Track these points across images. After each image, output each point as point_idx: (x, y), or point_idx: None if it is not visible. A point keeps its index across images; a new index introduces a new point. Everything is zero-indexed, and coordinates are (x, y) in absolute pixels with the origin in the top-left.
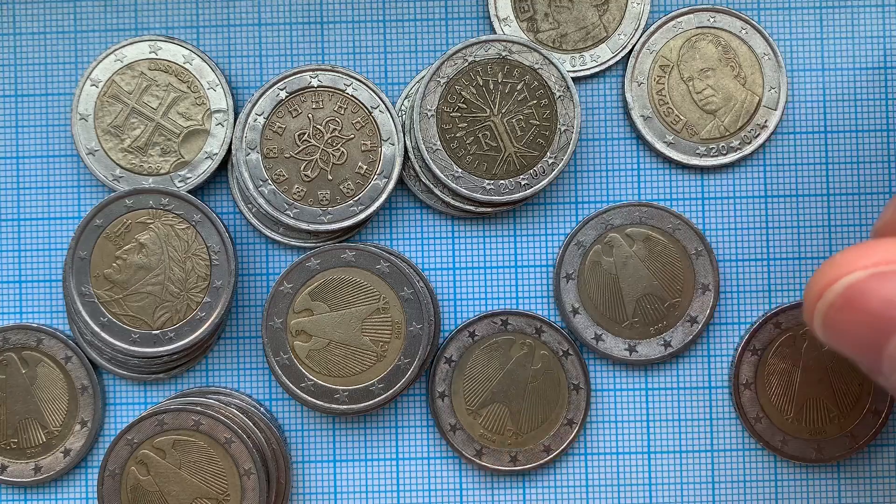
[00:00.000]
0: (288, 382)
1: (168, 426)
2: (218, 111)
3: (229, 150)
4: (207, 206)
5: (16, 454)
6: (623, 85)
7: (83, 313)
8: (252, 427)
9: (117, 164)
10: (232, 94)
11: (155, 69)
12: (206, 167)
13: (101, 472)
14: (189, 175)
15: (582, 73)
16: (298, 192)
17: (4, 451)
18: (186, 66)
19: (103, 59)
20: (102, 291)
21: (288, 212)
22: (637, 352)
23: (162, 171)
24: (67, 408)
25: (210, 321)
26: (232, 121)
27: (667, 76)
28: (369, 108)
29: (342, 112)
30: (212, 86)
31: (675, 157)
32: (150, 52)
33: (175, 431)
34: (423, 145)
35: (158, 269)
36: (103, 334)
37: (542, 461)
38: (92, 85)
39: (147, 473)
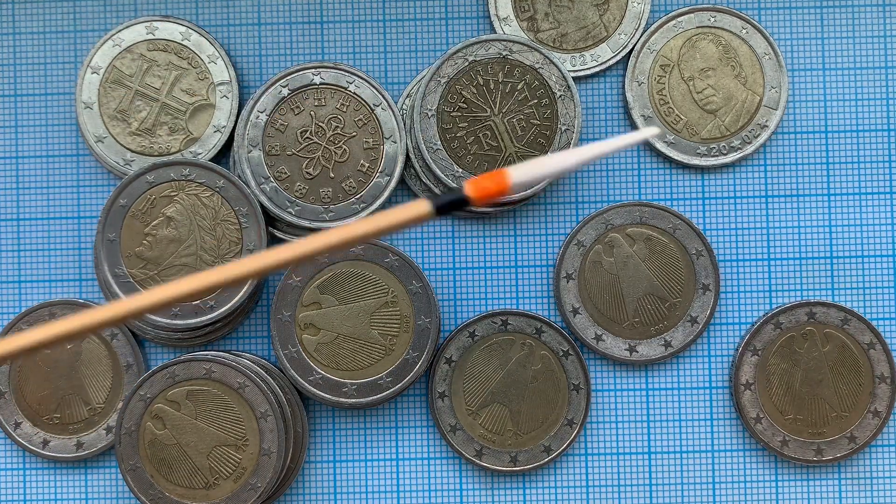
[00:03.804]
0: (296, 375)
1: (180, 377)
2: (221, 83)
3: (237, 122)
4: (229, 171)
5: (58, 429)
6: (623, 85)
7: (120, 294)
8: (264, 374)
9: (127, 149)
10: (233, 65)
11: (154, 49)
12: (216, 141)
13: (116, 431)
14: (200, 151)
15: (582, 73)
16: (300, 189)
17: (47, 425)
18: (185, 42)
19: (101, 44)
20: (136, 270)
21: (290, 209)
22: (637, 352)
23: (172, 150)
24: (111, 385)
25: (248, 283)
26: (237, 91)
27: (667, 76)
28: (371, 106)
29: (344, 109)
30: (212, 59)
31: (676, 157)
32: (147, 34)
33: (187, 382)
34: (423, 145)
35: (189, 241)
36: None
37: (542, 461)
38: (93, 72)
39: (163, 427)
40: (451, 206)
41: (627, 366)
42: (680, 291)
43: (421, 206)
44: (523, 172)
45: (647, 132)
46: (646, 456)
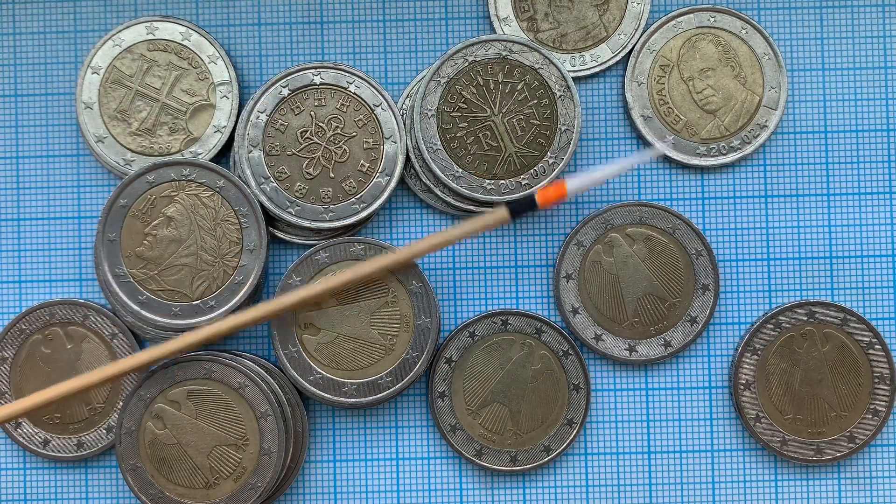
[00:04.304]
0: (296, 375)
1: (180, 377)
2: (221, 84)
3: (237, 122)
4: (229, 171)
5: (58, 429)
6: (623, 85)
7: (120, 294)
8: (265, 374)
9: (127, 149)
10: (234, 65)
11: (154, 49)
12: (216, 141)
13: (117, 431)
14: (200, 151)
15: (582, 73)
16: (300, 189)
17: (47, 425)
18: (185, 42)
19: (102, 45)
20: (137, 270)
21: (290, 209)
22: (637, 352)
23: (173, 150)
24: (111, 384)
25: (249, 283)
26: (237, 91)
27: (667, 76)
28: (371, 106)
29: (344, 110)
30: (212, 59)
31: (676, 157)
32: (147, 34)
33: (188, 382)
34: (423, 145)
35: (190, 240)
36: (144, 312)
37: (542, 461)
38: (93, 73)
39: (163, 427)
40: (524, 211)
41: (627, 365)
42: (679, 291)
43: (500, 213)
44: (577, 181)
45: (658, 150)
46: (645, 455)
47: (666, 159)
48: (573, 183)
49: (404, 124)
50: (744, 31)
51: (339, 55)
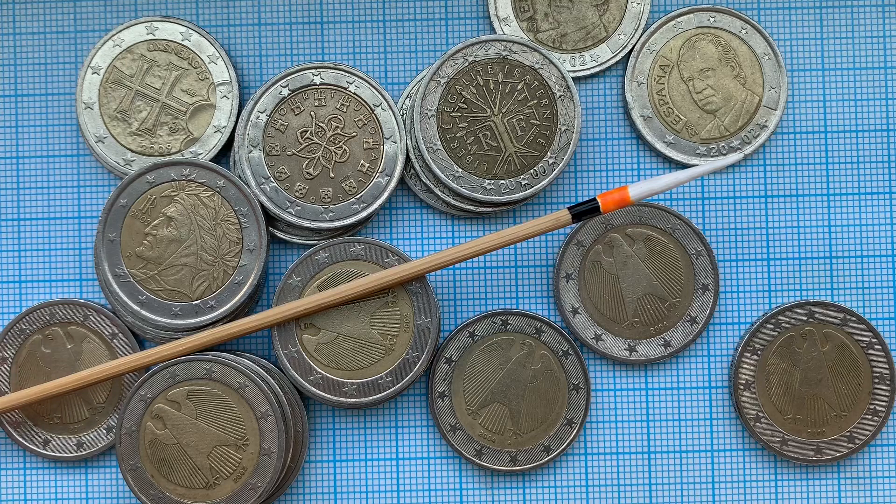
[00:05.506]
0: (296, 375)
1: (180, 377)
2: (221, 84)
3: (237, 122)
4: (229, 171)
5: (58, 429)
6: (623, 85)
7: (120, 294)
8: (265, 374)
9: (127, 149)
10: (234, 65)
11: (154, 49)
12: (216, 141)
13: (117, 431)
14: (200, 151)
15: (582, 73)
16: (300, 189)
17: (47, 425)
18: (185, 42)
19: (102, 45)
20: (137, 270)
21: (290, 209)
22: (637, 352)
23: (173, 150)
24: (112, 384)
25: (248, 283)
26: (237, 91)
27: (667, 76)
28: (371, 106)
29: (344, 110)
30: (212, 59)
31: (675, 157)
32: (147, 34)
33: (188, 382)
34: (423, 145)
35: (190, 240)
36: (144, 312)
37: (541, 461)
38: (93, 73)
39: (164, 427)
40: (585, 214)
41: (627, 365)
42: (679, 291)
43: (562, 215)
44: (640, 188)
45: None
46: (645, 455)
47: (666, 159)
48: (635, 189)
49: (404, 124)
50: (744, 31)
51: (339, 55)
